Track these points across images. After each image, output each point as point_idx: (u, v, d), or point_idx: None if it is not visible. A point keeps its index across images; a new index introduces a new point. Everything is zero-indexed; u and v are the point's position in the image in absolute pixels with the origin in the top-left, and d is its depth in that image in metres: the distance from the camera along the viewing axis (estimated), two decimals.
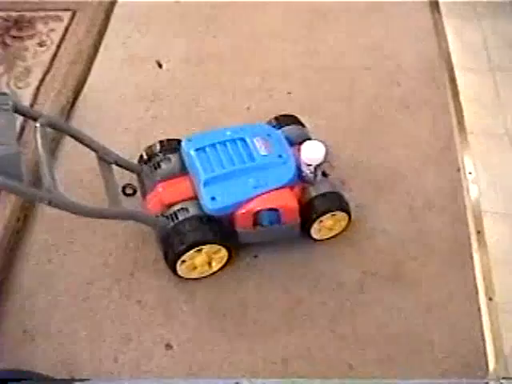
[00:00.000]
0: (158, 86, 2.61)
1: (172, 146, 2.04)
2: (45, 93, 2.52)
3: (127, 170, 2.02)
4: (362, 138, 2.42)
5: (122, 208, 1.83)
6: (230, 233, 1.91)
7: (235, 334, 1.88)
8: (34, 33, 2.81)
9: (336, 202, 2.01)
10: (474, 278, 2.02)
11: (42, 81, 2.57)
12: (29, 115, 1.69)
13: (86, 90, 2.60)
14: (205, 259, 1.91)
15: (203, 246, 1.86)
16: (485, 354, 1.84)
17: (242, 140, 1.96)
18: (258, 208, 1.85)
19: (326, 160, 1.96)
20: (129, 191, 2.15)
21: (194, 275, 1.97)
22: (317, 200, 1.96)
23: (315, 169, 1.95)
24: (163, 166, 1.97)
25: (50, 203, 1.56)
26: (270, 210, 1.87)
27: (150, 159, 2.04)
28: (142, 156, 2.08)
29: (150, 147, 2.08)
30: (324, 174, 2.05)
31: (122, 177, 2.08)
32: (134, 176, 2.09)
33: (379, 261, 2.06)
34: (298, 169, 1.96)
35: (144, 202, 2.01)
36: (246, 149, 1.93)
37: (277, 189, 1.88)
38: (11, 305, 1.93)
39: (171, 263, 1.89)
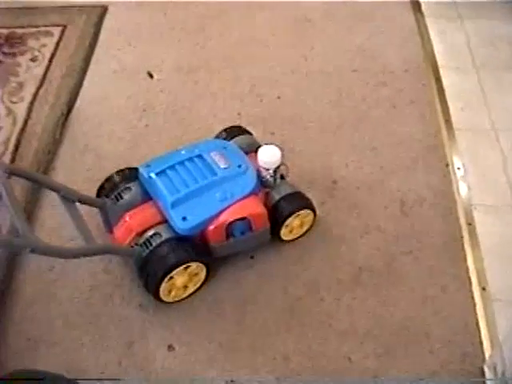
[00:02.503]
0: (149, 96, 2.66)
1: (130, 174, 2.04)
2: (39, 106, 2.56)
3: (90, 205, 1.99)
4: (352, 139, 2.47)
5: (97, 244, 1.83)
6: (204, 249, 1.93)
7: (235, 333, 1.91)
8: (26, 49, 2.86)
9: (299, 202, 2.06)
10: (467, 270, 2.06)
11: (35, 95, 2.62)
12: None
13: (79, 102, 2.63)
14: (185, 280, 1.92)
15: (183, 266, 1.86)
16: (480, 342, 1.87)
17: (200, 157, 1.98)
18: (230, 220, 1.88)
19: (282, 162, 2.00)
20: None
21: (170, 299, 1.95)
22: (281, 203, 2.01)
23: (274, 172, 1.99)
24: (125, 196, 1.97)
25: (32, 251, 1.53)
26: (241, 219, 1.90)
27: (110, 191, 2.02)
28: (101, 189, 2.07)
29: (108, 179, 2.06)
30: (282, 177, 2.08)
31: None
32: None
33: (374, 256, 2.10)
34: (258, 175, 1.99)
35: (111, 235, 2.00)
36: (206, 165, 1.96)
37: (242, 198, 1.91)
38: (14, 313, 1.96)
39: (153, 289, 1.88)
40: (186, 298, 1.99)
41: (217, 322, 1.93)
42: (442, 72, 2.73)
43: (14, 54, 2.84)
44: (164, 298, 1.93)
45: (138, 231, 1.90)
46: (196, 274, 1.94)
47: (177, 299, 1.97)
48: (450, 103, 2.59)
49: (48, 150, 2.37)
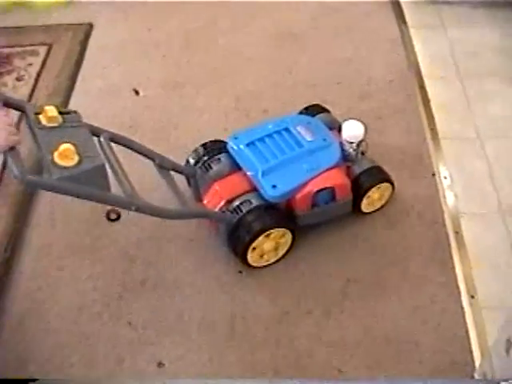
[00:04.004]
0: (136, 113, 2.67)
1: (216, 146, 2.16)
2: None
3: (182, 174, 2.13)
4: None
5: (193, 208, 2.04)
6: (290, 217, 2.04)
7: (225, 347, 1.91)
8: (12, 68, 2.86)
9: (379, 176, 2.17)
10: (456, 278, 2.07)
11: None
12: (92, 131, 1.75)
13: None
14: (272, 245, 2.02)
15: (271, 231, 1.97)
16: (470, 350, 1.87)
17: (287, 130, 2.10)
18: (316, 189, 1.98)
19: (364, 138, 2.10)
20: (113, 216, 2.20)
21: (263, 262, 2.07)
22: (362, 176, 2.12)
23: (357, 146, 2.09)
24: (214, 166, 2.08)
25: (137, 209, 1.70)
26: (326, 188, 2.00)
27: (197, 162, 2.15)
28: (188, 161, 2.18)
29: (195, 151, 2.19)
30: (362, 153, 2.16)
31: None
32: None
33: (362, 267, 2.11)
34: (341, 149, 2.10)
35: (200, 203, 2.10)
36: (293, 137, 2.07)
37: (327, 170, 2.02)
38: (3, 333, 1.95)
39: (242, 252, 1.99)
40: (272, 264, 2.10)
41: (206, 336, 1.93)
42: (426, 82, 2.75)
43: (0, 74, 2.84)
44: (253, 263, 2.05)
45: (228, 199, 2.01)
46: (283, 240, 2.05)
47: (265, 264, 2.08)
48: (435, 113, 2.61)
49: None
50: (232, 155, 2.09)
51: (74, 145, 1.51)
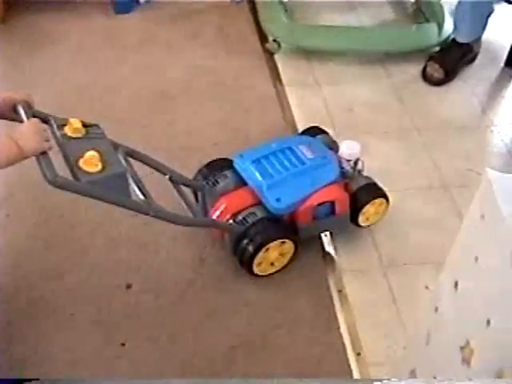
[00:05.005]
0: None
1: (222, 164, 2.32)
2: None
3: (190, 187, 2.28)
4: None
5: (203, 218, 2.20)
6: (293, 229, 2.20)
7: None
8: None
9: (375, 192, 2.30)
10: (341, 336, 2.06)
11: None
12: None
13: None
14: (276, 255, 2.18)
15: (276, 242, 2.13)
16: None
17: (289, 148, 2.26)
18: (317, 202, 2.15)
19: (359, 157, 2.28)
20: None
21: (271, 270, 2.22)
22: (359, 192, 2.26)
23: (355, 163, 2.28)
24: (221, 182, 2.23)
25: (154, 215, 1.89)
26: (327, 202, 2.16)
27: (205, 178, 2.29)
28: (195, 177, 2.32)
29: (204, 167, 2.34)
30: (359, 171, 2.34)
31: None
32: None
33: (247, 332, 2.07)
34: (340, 167, 2.28)
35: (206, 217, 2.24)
36: (295, 155, 2.24)
37: (327, 185, 2.19)
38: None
39: (248, 261, 2.13)
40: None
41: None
42: None
43: None
44: (259, 272, 2.20)
45: (234, 212, 2.16)
46: (286, 252, 2.21)
47: (264, 274, 2.21)
48: None
49: None
50: (237, 171, 2.25)
51: (98, 152, 1.68)
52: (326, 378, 1.92)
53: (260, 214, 2.14)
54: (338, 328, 2.08)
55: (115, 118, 2.81)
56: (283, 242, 2.15)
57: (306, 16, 3.59)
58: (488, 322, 1.17)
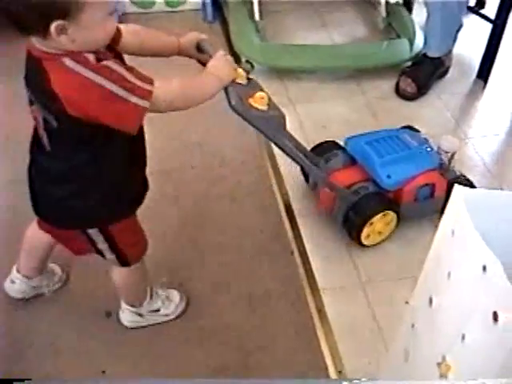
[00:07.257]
0: None
1: (332, 145, 2.52)
2: None
3: (309, 159, 2.30)
4: (196, 237, 2.44)
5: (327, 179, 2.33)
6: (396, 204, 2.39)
7: None
8: None
9: (466, 184, 2.31)
10: (322, 355, 2.05)
11: None
12: None
13: None
14: (382, 226, 2.35)
15: (384, 212, 2.31)
16: None
17: (396, 136, 2.45)
18: (422, 183, 2.35)
19: (456, 151, 2.45)
20: None
21: (378, 239, 2.40)
22: (451, 184, 2.25)
23: (451, 156, 2.43)
24: (333, 159, 2.42)
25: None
26: (429, 184, 2.36)
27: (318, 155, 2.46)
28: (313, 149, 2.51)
29: (317, 147, 2.54)
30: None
31: None
32: None
33: (227, 355, 2.05)
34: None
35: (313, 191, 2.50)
36: (402, 142, 2.43)
37: (429, 170, 2.38)
38: None
39: (357, 230, 2.31)
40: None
41: None
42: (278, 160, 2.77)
43: None
44: (371, 242, 2.39)
45: (346, 185, 2.34)
46: (390, 222, 2.38)
47: (373, 243, 2.39)
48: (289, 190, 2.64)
49: None
50: (349, 151, 2.44)
51: (266, 94, 1.88)
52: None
53: (371, 188, 2.33)
54: (319, 347, 2.07)
55: None
56: (385, 215, 2.32)
57: (278, 35, 3.61)
58: (463, 336, 1.17)
